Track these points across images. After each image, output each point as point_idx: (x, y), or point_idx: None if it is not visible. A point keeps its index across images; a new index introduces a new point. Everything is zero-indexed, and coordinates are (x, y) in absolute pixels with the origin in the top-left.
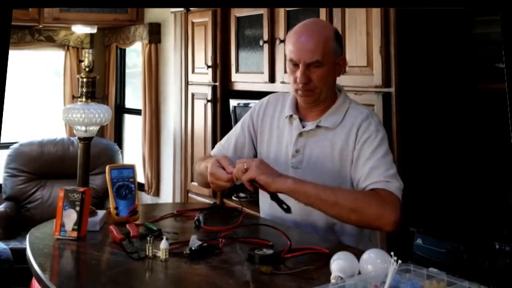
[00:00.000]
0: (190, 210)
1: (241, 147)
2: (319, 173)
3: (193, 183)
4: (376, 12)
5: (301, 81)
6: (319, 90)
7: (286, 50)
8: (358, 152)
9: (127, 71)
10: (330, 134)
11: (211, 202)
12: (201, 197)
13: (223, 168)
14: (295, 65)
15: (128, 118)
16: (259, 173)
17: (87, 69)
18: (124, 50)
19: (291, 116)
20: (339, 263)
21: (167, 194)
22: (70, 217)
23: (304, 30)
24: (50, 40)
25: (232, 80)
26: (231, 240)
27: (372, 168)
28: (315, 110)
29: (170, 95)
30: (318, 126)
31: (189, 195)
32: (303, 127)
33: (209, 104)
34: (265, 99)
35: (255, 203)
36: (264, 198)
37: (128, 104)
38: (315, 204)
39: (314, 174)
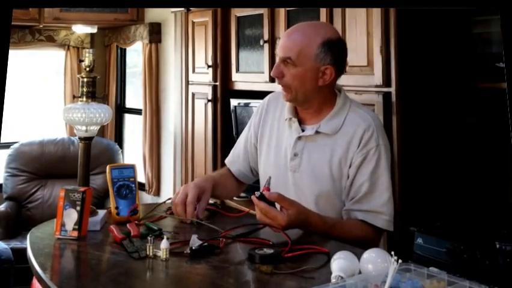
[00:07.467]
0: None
1: (252, 149)
2: (316, 178)
3: None
4: (376, 12)
5: (273, 73)
6: (294, 90)
7: None
8: (356, 169)
9: (127, 70)
10: (329, 140)
11: (212, 202)
12: None
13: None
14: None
15: (128, 118)
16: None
17: (87, 69)
18: (125, 49)
19: (290, 118)
20: (339, 263)
21: (168, 194)
22: (71, 217)
23: (293, 29)
24: (50, 40)
25: (233, 79)
26: (232, 240)
27: (367, 193)
28: (312, 113)
29: (171, 95)
30: (317, 132)
31: None
32: (303, 131)
33: (209, 103)
34: (265, 99)
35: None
36: None
37: (129, 103)
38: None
39: (312, 178)
